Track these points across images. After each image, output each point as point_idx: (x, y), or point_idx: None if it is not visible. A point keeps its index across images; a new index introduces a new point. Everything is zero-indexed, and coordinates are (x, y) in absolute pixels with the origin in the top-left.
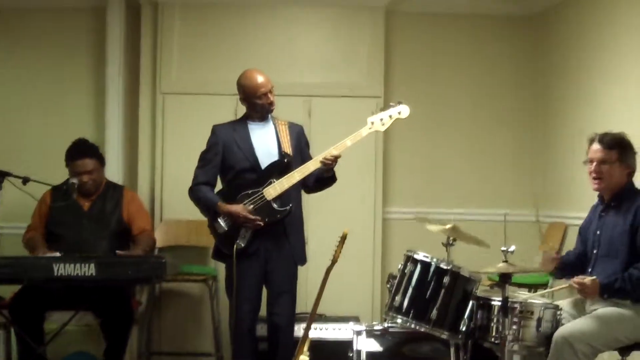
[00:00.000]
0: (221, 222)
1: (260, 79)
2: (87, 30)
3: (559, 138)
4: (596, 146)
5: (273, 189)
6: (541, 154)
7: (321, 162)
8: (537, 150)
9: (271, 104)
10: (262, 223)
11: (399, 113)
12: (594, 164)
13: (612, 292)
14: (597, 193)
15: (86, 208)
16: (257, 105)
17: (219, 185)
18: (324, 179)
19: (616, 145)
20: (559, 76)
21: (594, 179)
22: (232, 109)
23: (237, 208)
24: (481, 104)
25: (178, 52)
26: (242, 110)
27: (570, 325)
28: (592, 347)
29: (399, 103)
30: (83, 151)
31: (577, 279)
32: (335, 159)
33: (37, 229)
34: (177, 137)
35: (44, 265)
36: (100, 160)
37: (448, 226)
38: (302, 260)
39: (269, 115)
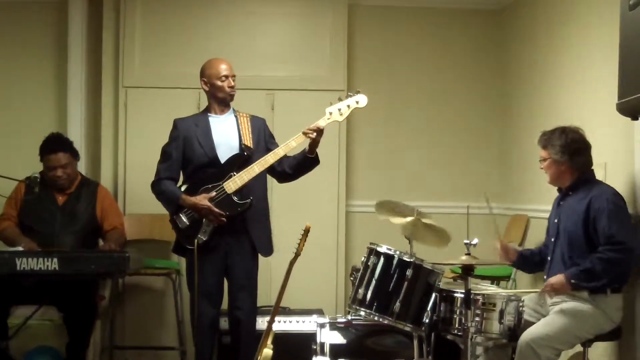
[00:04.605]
0: (183, 217)
1: (223, 64)
2: (48, 23)
3: (521, 131)
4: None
5: (233, 183)
6: (503, 147)
7: (304, 133)
8: (499, 143)
9: (232, 88)
10: (225, 219)
11: (357, 102)
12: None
13: (579, 275)
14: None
15: (60, 202)
16: (218, 89)
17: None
18: (307, 161)
19: (546, 142)
20: (521, 70)
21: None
22: (194, 102)
23: (201, 199)
24: (444, 97)
25: (140, 46)
26: (204, 104)
27: (533, 330)
28: (555, 349)
29: (357, 92)
30: (57, 145)
31: (545, 285)
32: (319, 130)
33: (11, 219)
34: (140, 131)
35: (7, 260)
36: (74, 155)
37: (410, 219)
38: (267, 251)
39: (231, 108)
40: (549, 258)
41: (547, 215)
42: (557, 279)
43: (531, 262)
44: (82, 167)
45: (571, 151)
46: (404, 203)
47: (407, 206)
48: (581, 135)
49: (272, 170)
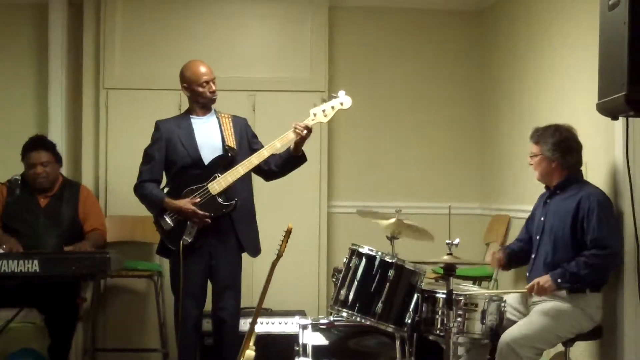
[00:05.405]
0: (167, 218)
1: (202, 67)
2: (29, 25)
3: (503, 131)
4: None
5: (217, 184)
6: (484, 147)
7: (295, 128)
8: (482, 143)
9: (213, 92)
10: (209, 220)
11: (341, 104)
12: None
13: (565, 276)
14: (540, 185)
15: (43, 205)
16: (199, 94)
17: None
18: (293, 159)
19: (539, 138)
20: (503, 70)
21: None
22: (175, 103)
23: (185, 203)
24: (425, 98)
25: (121, 48)
26: (185, 105)
27: (513, 330)
28: (535, 348)
29: (341, 94)
30: (38, 144)
31: (529, 285)
32: (308, 129)
33: None
34: (121, 133)
35: None
36: (56, 156)
37: (392, 220)
38: (255, 251)
39: (213, 110)
40: (532, 256)
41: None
42: (543, 278)
43: (520, 257)
44: (63, 169)
45: (563, 149)
46: (382, 211)
47: (387, 214)
48: (574, 135)
49: (259, 169)
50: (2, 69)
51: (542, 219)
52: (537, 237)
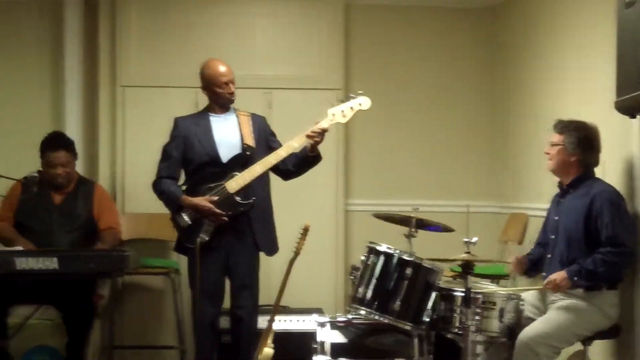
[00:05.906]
0: (184, 215)
1: (222, 68)
2: (44, 23)
3: (519, 129)
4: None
5: (235, 182)
6: (502, 145)
7: (307, 136)
8: (498, 141)
9: (232, 94)
10: (226, 218)
11: (360, 105)
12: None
13: (581, 273)
14: (556, 183)
15: (57, 202)
16: (218, 95)
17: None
18: (308, 159)
19: (564, 129)
20: (518, 67)
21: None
22: (192, 101)
23: (202, 200)
24: (441, 95)
25: (136, 45)
26: (202, 102)
27: (530, 329)
28: (553, 347)
29: (360, 94)
30: (59, 143)
31: (545, 281)
32: (323, 132)
33: (6, 220)
34: (138, 130)
35: (6, 260)
36: (75, 154)
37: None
38: (271, 250)
39: (231, 107)
40: (548, 255)
41: (545, 213)
42: (559, 275)
43: (541, 265)
44: (79, 166)
45: (586, 147)
46: (399, 210)
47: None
48: (598, 135)
49: (276, 168)
50: (17, 67)
51: (556, 218)
52: (552, 237)
